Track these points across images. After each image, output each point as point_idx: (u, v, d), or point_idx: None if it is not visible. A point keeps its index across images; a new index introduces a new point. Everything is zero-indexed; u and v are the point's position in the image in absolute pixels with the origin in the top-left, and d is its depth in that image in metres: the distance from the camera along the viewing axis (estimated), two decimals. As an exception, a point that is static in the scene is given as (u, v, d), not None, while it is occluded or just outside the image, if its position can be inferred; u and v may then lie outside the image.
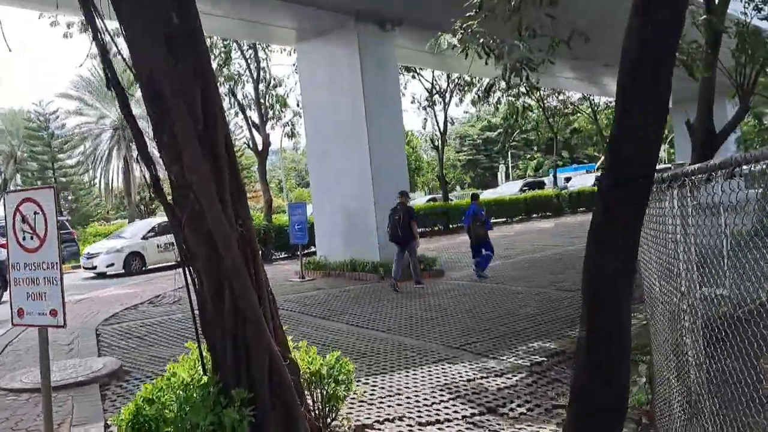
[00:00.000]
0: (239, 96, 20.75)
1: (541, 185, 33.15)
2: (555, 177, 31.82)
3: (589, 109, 32.71)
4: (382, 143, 13.24)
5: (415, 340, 7.64)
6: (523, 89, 28.50)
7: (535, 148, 58.57)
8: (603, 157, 37.23)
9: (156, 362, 7.12)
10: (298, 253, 14.21)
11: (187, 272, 4.00)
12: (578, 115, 34.75)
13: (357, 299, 10.67)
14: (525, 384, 5.83)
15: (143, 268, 18.33)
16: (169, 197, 4.03)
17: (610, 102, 34.59)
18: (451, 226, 24.13)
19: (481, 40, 6.25)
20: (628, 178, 2.99)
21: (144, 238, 18.83)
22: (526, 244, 17.82)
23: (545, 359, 6.59)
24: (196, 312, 4.10)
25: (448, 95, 24.59)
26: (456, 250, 17.62)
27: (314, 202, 14.91)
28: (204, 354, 4.09)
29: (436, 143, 24.64)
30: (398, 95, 14.14)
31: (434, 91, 24.44)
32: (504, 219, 25.87)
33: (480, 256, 11.98)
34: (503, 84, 27.22)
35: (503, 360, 6.59)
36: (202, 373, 4.07)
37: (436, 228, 23.80)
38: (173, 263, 15.56)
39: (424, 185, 45.63)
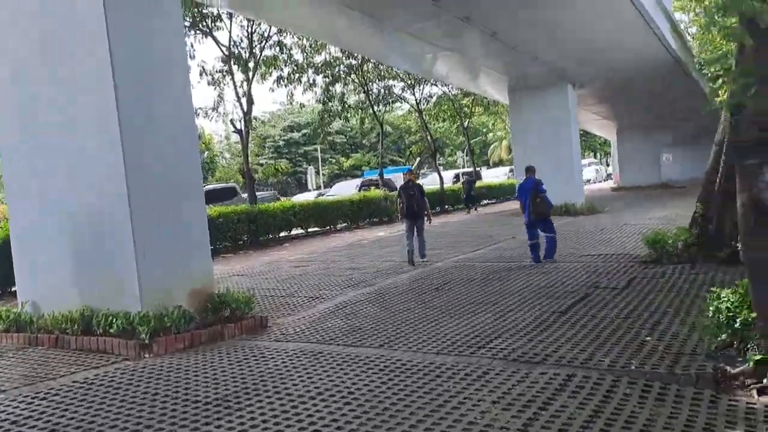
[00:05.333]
0: None
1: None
2: (381, 176, 27.17)
3: (413, 100, 28.69)
4: (144, 98, 6.95)
5: None
6: (344, 68, 23.36)
7: (350, 148, 54.52)
8: (418, 160, 33.67)
9: None
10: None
11: None
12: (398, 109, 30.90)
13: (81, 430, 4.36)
14: None
15: None
16: None
17: (432, 97, 31.16)
18: (261, 237, 17.98)
19: None
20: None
21: None
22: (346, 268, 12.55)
23: None
24: None
25: (252, 64, 18.47)
26: (276, 274, 11.70)
27: (11, 204, 7.96)
28: None
29: (238, 126, 18.33)
30: (177, 7, 7.90)
31: (233, 57, 18.11)
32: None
33: (547, 243, 10.72)
34: (321, 58, 21.81)
35: None
36: None
37: (241, 242, 17.51)
38: None
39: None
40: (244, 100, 18.30)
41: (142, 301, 6.59)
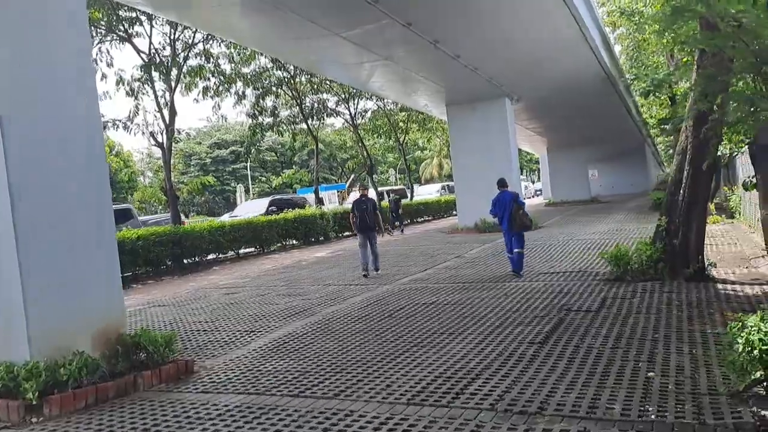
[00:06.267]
0: None
1: None
2: (317, 193, 25.84)
3: (348, 114, 27.72)
4: (33, 98, 5.61)
5: None
6: (275, 80, 22.13)
7: (281, 166, 52.91)
8: (352, 177, 32.86)
9: None
10: None
11: None
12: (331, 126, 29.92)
13: None
14: None
15: None
16: None
17: (367, 111, 30.35)
18: (186, 261, 16.38)
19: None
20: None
21: None
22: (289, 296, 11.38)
23: None
24: None
25: (175, 72, 16.97)
26: (204, 303, 10.31)
27: None
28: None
29: (159, 139, 16.68)
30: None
31: (154, 65, 16.55)
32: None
33: (514, 259, 10.35)
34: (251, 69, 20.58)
35: None
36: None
37: (164, 266, 15.85)
38: None
39: (141, 205, 35.96)
40: (166, 111, 16.74)
41: (30, 348, 5.19)
